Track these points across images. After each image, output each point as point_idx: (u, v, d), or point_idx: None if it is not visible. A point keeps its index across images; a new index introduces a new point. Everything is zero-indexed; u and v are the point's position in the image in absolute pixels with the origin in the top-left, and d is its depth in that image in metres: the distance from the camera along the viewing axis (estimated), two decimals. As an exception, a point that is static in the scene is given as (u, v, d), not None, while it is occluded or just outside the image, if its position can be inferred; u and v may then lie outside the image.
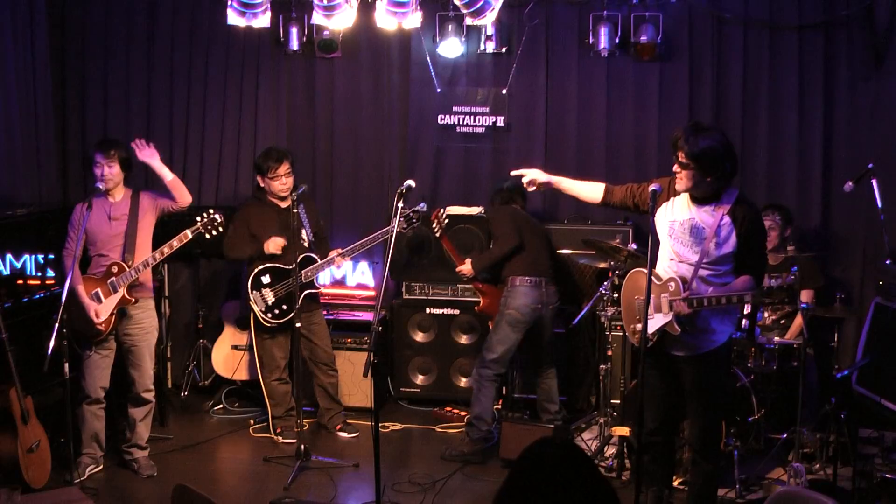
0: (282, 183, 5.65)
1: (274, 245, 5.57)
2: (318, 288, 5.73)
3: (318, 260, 5.65)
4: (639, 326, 4.22)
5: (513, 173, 4.57)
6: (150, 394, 5.26)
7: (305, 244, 5.68)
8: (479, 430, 5.47)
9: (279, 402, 5.84)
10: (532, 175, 4.43)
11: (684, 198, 4.11)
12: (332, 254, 5.64)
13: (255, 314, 5.67)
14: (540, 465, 2.13)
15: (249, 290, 5.67)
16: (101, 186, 5.02)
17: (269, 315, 5.65)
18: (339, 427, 5.89)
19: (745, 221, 3.98)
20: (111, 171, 5.06)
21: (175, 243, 5.07)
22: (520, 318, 5.45)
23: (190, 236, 5.10)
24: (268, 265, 5.63)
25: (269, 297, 5.64)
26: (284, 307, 5.57)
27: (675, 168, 4.02)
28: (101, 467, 5.23)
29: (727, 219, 3.99)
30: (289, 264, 5.50)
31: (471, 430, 5.48)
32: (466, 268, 5.64)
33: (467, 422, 5.52)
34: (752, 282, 3.96)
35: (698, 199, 4.08)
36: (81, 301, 4.95)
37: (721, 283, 4.01)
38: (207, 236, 5.20)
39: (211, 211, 5.21)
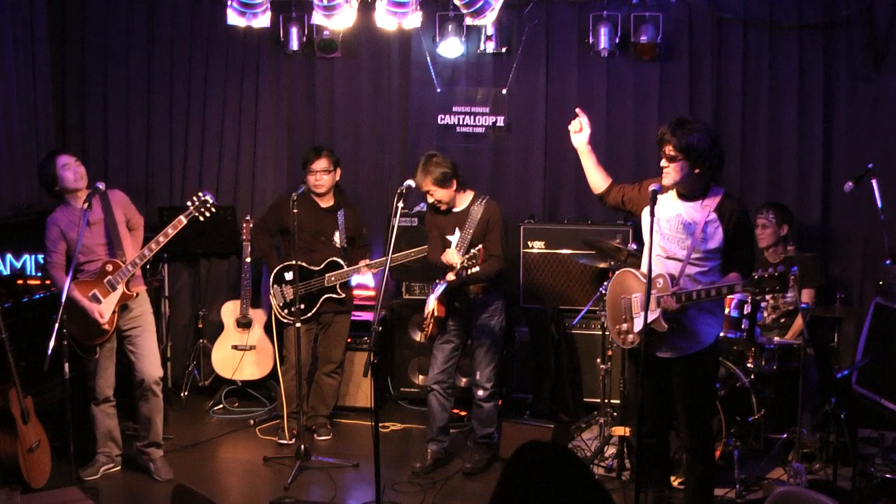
0: (316, 179, 5.67)
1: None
2: (340, 294, 5.71)
3: (345, 266, 5.66)
4: (624, 326, 4.25)
5: (574, 125, 4.43)
6: (159, 387, 5.18)
7: (337, 247, 5.73)
8: (496, 436, 5.47)
9: (289, 402, 5.84)
10: (585, 126, 4.39)
11: (671, 195, 4.13)
12: (361, 263, 5.65)
13: (273, 308, 5.77)
14: (529, 468, 2.13)
15: (271, 284, 5.75)
16: (100, 185, 4.96)
17: (286, 311, 5.68)
18: (314, 427, 5.90)
19: (731, 217, 4.00)
20: (82, 169, 5.04)
21: (170, 230, 5.03)
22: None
23: (184, 222, 5.05)
24: (293, 262, 5.64)
25: (289, 293, 5.66)
26: (302, 306, 5.59)
27: (663, 163, 4.04)
28: (118, 467, 5.23)
29: (714, 215, 4.01)
30: (315, 265, 5.64)
31: (491, 440, 5.45)
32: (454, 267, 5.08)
33: (487, 435, 5.41)
34: (740, 278, 3.97)
35: (685, 196, 4.09)
36: (83, 305, 4.90)
37: (708, 282, 4.02)
38: (201, 219, 5.15)
39: (201, 194, 5.15)
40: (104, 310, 4.97)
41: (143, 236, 5.24)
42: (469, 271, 4.87)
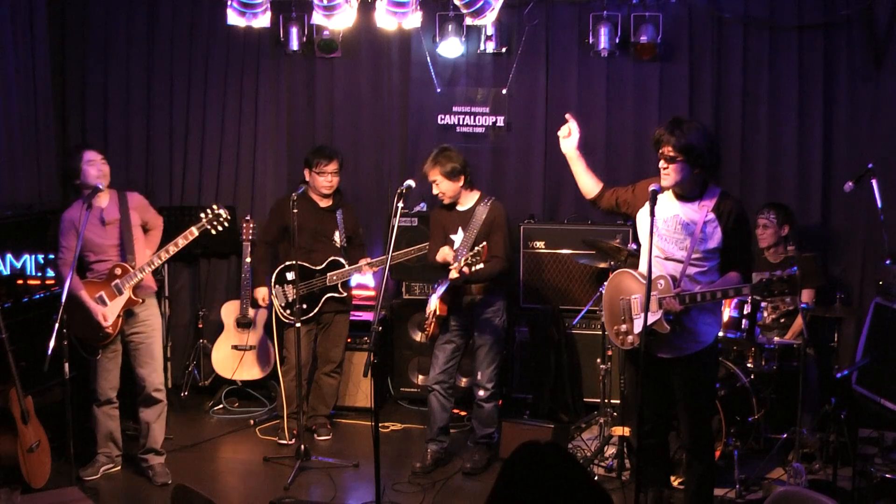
0: (327, 180, 5.67)
1: (260, 294, 5.85)
2: (342, 293, 5.71)
3: (346, 265, 5.66)
4: (623, 327, 4.24)
5: (563, 130, 4.44)
6: (160, 393, 5.17)
7: (337, 246, 5.73)
8: (496, 436, 5.47)
9: (289, 402, 5.84)
10: (574, 131, 4.40)
11: (668, 196, 4.12)
12: (361, 262, 5.65)
13: (275, 308, 5.76)
14: (526, 468, 2.13)
15: (273, 284, 5.74)
16: (100, 185, 4.97)
17: (288, 311, 5.67)
18: (314, 427, 5.90)
19: (729, 217, 4.01)
20: (106, 168, 5.04)
21: (180, 241, 5.03)
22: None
23: (196, 234, 5.04)
24: (294, 262, 5.62)
25: (290, 293, 5.65)
26: (304, 305, 5.58)
27: (662, 164, 4.04)
28: (118, 467, 5.22)
29: (712, 215, 4.01)
30: (316, 264, 5.63)
31: (492, 440, 5.44)
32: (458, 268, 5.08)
33: (487, 435, 5.41)
34: (741, 278, 3.97)
35: (682, 196, 4.09)
36: (87, 306, 4.89)
37: (707, 282, 4.01)
38: (213, 232, 5.13)
39: (215, 207, 5.14)
40: (108, 313, 4.96)
41: (160, 236, 5.25)
42: (473, 268, 4.85)
